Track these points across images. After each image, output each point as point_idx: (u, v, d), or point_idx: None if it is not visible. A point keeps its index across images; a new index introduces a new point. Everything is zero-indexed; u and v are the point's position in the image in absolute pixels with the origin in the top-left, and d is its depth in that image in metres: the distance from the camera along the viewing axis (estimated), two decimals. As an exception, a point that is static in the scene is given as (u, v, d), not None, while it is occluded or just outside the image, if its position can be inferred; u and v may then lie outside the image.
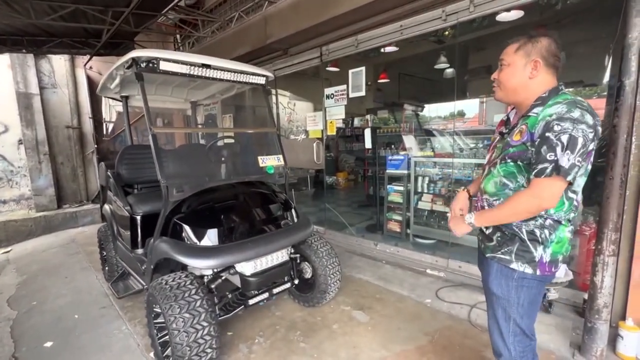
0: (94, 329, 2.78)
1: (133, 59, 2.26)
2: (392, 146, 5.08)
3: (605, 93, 3.56)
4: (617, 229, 2.07)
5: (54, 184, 6.65)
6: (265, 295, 2.53)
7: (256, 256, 2.29)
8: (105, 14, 4.42)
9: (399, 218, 4.40)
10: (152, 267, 2.43)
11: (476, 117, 6.72)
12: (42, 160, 6.48)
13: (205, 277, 2.44)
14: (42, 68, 6.51)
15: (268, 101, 3.13)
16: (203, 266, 2.19)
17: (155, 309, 2.17)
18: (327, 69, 4.80)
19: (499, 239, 1.41)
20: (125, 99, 3.42)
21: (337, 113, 4.44)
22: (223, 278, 2.47)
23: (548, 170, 1.19)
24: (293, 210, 2.78)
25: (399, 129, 4.96)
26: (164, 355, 2.16)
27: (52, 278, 3.90)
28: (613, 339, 2.24)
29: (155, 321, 2.21)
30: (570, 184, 1.22)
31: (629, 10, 1.92)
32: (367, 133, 4.69)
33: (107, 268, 3.57)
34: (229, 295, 2.52)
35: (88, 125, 7.26)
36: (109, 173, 3.28)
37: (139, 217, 2.81)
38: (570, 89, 3.71)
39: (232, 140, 3.83)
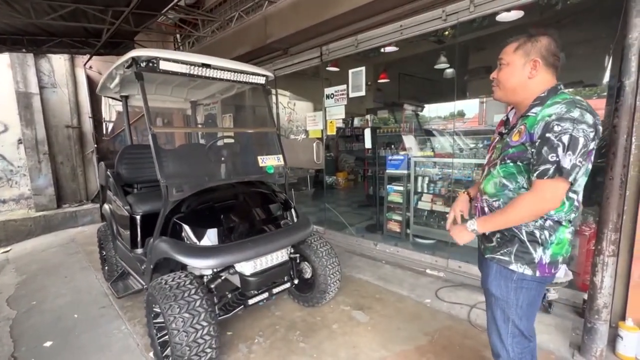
0: (94, 328, 2.78)
1: (133, 58, 2.26)
2: (392, 146, 5.08)
3: (605, 93, 3.56)
4: (617, 229, 2.07)
5: (54, 184, 6.65)
6: (265, 295, 2.53)
7: (256, 256, 2.29)
8: (105, 14, 4.41)
9: (399, 218, 4.40)
10: (151, 266, 2.42)
11: (476, 117, 6.72)
12: (42, 159, 6.47)
13: (205, 276, 2.44)
14: (42, 67, 6.51)
15: (268, 101, 3.13)
16: (203, 266, 2.18)
17: (154, 309, 2.17)
18: (327, 68, 4.80)
19: (498, 239, 1.41)
20: (125, 99, 3.41)
21: (337, 113, 4.44)
22: (223, 278, 2.46)
23: (550, 172, 1.18)
24: (293, 210, 2.78)
25: (398, 129, 4.96)
26: (164, 355, 2.15)
27: (51, 278, 3.89)
28: (613, 339, 2.23)
29: (154, 321, 2.21)
30: (572, 184, 1.22)
31: (629, 10, 1.92)
32: (367, 133, 4.69)
33: (106, 268, 3.57)
34: (229, 295, 2.52)
35: (88, 124, 7.26)
36: (108, 173, 3.28)
37: (138, 217, 2.81)
38: (570, 89, 3.72)
39: (232, 140, 3.83)
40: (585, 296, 2.34)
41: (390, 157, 4.43)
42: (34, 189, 6.43)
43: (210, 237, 2.28)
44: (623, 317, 2.33)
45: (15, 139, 6.33)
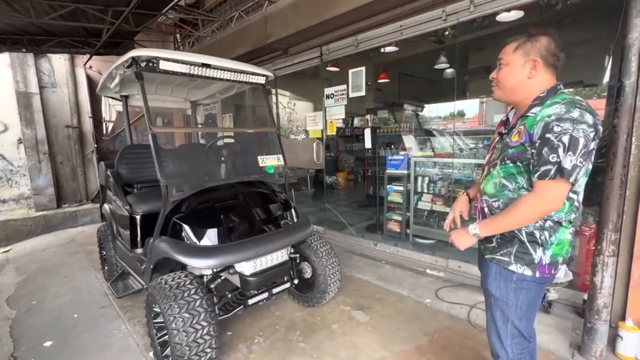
0: (94, 328, 2.78)
1: (133, 58, 2.26)
2: (392, 146, 5.08)
3: (605, 93, 3.56)
4: (617, 230, 2.07)
5: (54, 184, 6.65)
6: (265, 295, 2.53)
7: (256, 256, 2.29)
8: (105, 13, 4.41)
9: (399, 218, 4.40)
10: (151, 266, 2.42)
11: (476, 117, 6.72)
12: (42, 159, 6.47)
13: (205, 276, 2.44)
14: (42, 67, 6.51)
15: (268, 101, 3.13)
16: (202, 266, 2.19)
17: (154, 309, 2.17)
18: (327, 68, 4.80)
19: (498, 240, 1.40)
20: (125, 99, 3.41)
21: (337, 113, 4.44)
22: (222, 278, 2.46)
23: (552, 173, 1.18)
24: (293, 210, 2.78)
25: (399, 129, 4.96)
26: (164, 354, 2.15)
27: (51, 277, 3.89)
28: (613, 340, 2.23)
29: (154, 321, 2.21)
30: (572, 185, 1.21)
31: (629, 10, 1.92)
32: (367, 133, 4.69)
33: (106, 267, 3.57)
34: (229, 295, 2.52)
35: (88, 124, 7.25)
36: (108, 172, 3.28)
37: (138, 217, 2.81)
38: (571, 89, 3.72)
39: (232, 140, 3.83)
40: (585, 296, 2.34)
41: (390, 157, 4.43)
42: (34, 188, 6.43)
43: (210, 237, 2.28)
44: (623, 317, 2.33)
45: (15, 138, 6.33)
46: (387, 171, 4.43)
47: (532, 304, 1.40)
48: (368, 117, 5.89)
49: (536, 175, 1.22)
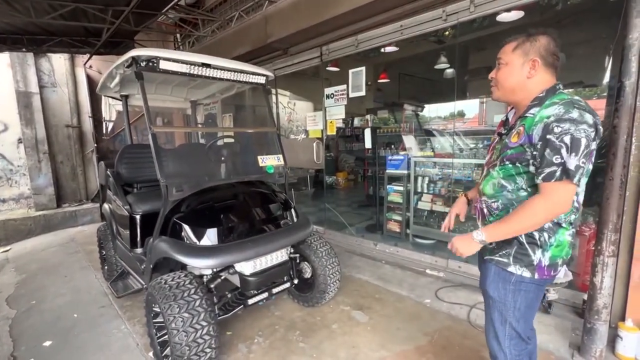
0: (93, 328, 2.78)
1: (133, 57, 2.26)
2: (392, 146, 5.08)
3: (605, 94, 3.57)
4: (616, 230, 2.07)
5: (54, 183, 6.65)
6: (265, 295, 2.53)
7: (255, 256, 2.29)
8: (105, 13, 4.41)
9: (399, 218, 4.40)
10: (151, 266, 2.42)
11: (476, 118, 6.72)
12: (42, 159, 6.48)
13: (205, 276, 2.44)
14: (42, 67, 6.51)
15: (268, 101, 3.13)
16: (202, 266, 2.18)
17: (154, 309, 2.17)
18: (327, 68, 4.80)
19: (497, 241, 1.40)
20: (125, 98, 3.41)
21: (337, 113, 4.44)
22: (222, 278, 2.46)
23: (558, 174, 1.15)
24: (293, 210, 2.78)
25: (399, 129, 4.96)
26: (163, 354, 2.15)
27: (51, 277, 3.89)
28: (612, 340, 2.23)
29: (154, 320, 2.21)
30: (578, 185, 1.19)
31: (629, 11, 1.92)
32: (367, 133, 4.69)
33: (106, 267, 3.57)
34: (228, 295, 2.52)
35: (88, 124, 7.26)
36: (108, 172, 3.28)
37: (138, 217, 2.80)
38: (570, 90, 3.72)
39: (232, 140, 3.82)
40: (585, 297, 2.34)
41: (390, 157, 4.43)
42: (33, 188, 6.43)
43: (210, 236, 2.28)
44: (623, 318, 2.33)
45: (15, 138, 6.34)
46: (387, 171, 4.43)
47: (531, 305, 1.39)
48: (368, 117, 5.89)
49: (541, 178, 1.19)
